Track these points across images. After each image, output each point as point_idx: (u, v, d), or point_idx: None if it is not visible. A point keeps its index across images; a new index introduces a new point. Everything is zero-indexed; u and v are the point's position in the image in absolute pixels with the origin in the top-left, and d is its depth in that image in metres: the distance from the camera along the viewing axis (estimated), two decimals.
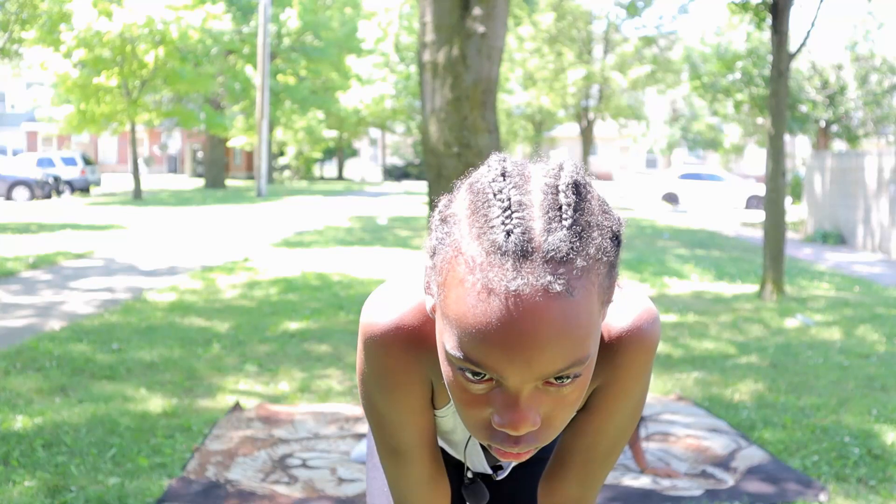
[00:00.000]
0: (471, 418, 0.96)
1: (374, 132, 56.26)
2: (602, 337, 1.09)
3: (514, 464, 1.32)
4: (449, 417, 1.23)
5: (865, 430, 4.54)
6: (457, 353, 0.91)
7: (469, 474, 1.34)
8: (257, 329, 6.84)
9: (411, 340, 1.11)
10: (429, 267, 0.98)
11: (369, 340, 1.13)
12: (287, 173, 49.86)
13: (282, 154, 47.77)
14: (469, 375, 0.93)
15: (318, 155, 47.74)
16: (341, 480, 3.72)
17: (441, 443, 1.32)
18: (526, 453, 0.98)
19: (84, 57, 24.88)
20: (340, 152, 54.68)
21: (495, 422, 0.93)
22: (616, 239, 0.93)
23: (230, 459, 3.95)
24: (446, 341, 0.93)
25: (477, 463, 1.34)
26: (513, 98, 30.64)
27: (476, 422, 0.96)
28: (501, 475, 1.36)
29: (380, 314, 1.13)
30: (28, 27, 23.70)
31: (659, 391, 5.33)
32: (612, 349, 1.10)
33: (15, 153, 48.51)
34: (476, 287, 0.88)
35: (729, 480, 3.81)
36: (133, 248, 13.08)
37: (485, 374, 0.92)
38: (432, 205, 6.34)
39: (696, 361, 6.12)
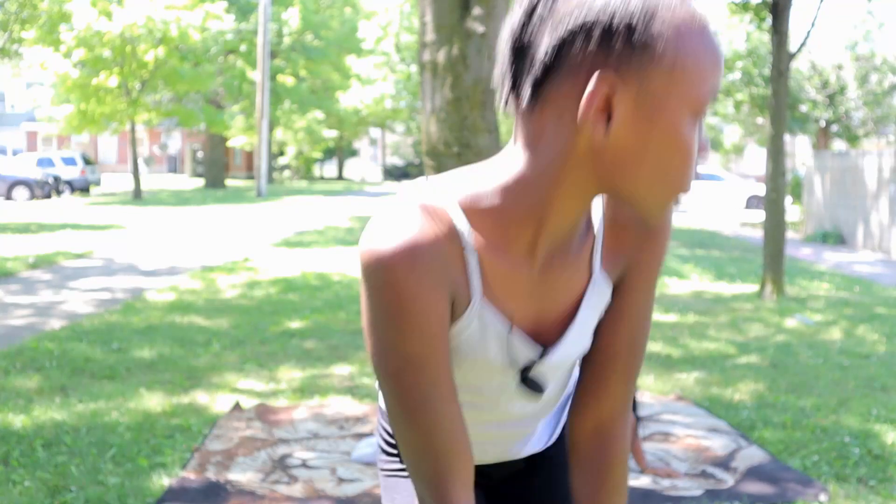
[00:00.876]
0: (686, 174, 1.00)
1: (375, 132, 56.28)
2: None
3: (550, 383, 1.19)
4: (475, 326, 1.09)
5: (865, 430, 4.54)
6: (704, 95, 0.97)
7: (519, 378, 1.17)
8: (257, 329, 6.84)
9: (436, 251, 1.02)
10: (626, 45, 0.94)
11: (386, 270, 1.01)
12: (287, 173, 49.86)
13: (282, 154, 47.77)
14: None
15: (318, 155, 47.74)
16: (341, 480, 3.72)
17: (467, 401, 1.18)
18: None
19: (84, 57, 24.89)
20: (340, 152, 54.68)
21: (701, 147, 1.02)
22: None
23: (230, 459, 3.95)
24: (688, 98, 0.96)
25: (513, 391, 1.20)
26: None
27: (685, 176, 1.00)
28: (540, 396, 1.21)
29: (392, 235, 1.02)
30: (28, 27, 23.70)
31: (659, 391, 5.33)
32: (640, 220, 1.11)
33: (15, 153, 48.52)
34: (698, 26, 0.96)
35: (729, 480, 3.81)
36: (133, 247, 13.08)
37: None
38: None
39: (696, 361, 6.12)
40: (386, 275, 1.01)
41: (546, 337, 1.14)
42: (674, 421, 4.68)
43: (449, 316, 1.06)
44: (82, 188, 29.72)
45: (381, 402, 1.36)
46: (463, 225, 1.04)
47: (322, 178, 54.79)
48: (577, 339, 1.15)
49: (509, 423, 1.26)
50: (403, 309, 1.01)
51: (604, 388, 1.20)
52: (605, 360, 1.19)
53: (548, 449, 1.41)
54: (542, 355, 1.13)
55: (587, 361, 1.21)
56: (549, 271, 1.09)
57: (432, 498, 1.07)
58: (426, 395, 1.04)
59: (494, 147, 6.69)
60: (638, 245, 1.13)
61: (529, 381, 1.17)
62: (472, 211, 1.05)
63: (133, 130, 27.70)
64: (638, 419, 3.89)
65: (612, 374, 1.19)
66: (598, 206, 1.14)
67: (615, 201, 1.13)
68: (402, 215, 1.04)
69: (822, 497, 3.62)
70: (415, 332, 1.03)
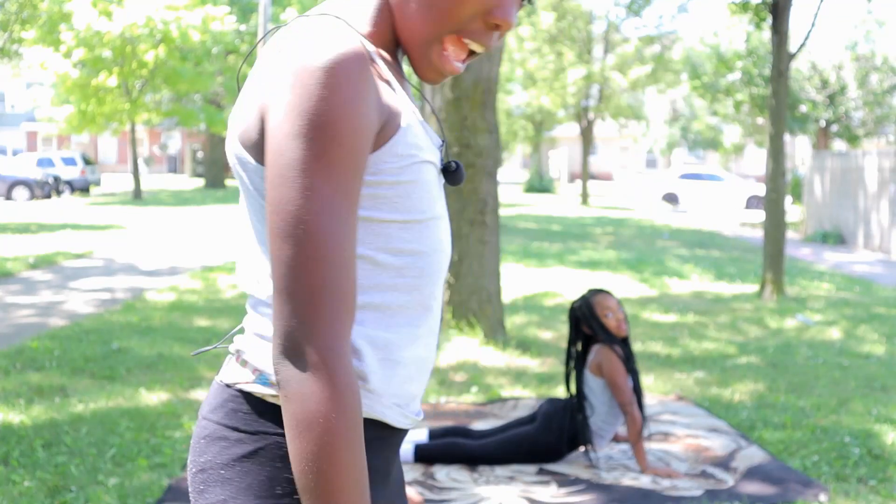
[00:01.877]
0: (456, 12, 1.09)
1: None
2: None
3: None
4: (419, 132, 1.10)
5: (865, 430, 4.54)
6: None
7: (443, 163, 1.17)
8: None
9: (366, 63, 1.02)
10: None
11: (344, 71, 0.99)
12: None
13: None
14: None
15: None
16: None
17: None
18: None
19: (84, 57, 24.88)
20: None
21: (497, 16, 1.09)
22: None
23: None
24: None
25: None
26: (513, 98, 30.64)
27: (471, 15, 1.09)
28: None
29: (340, 40, 1.01)
30: (28, 27, 23.70)
31: (659, 391, 5.33)
32: None
33: (15, 153, 48.53)
34: None
35: (729, 480, 3.81)
36: (133, 247, 13.08)
37: None
38: None
39: (696, 361, 6.12)
40: (333, 79, 0.99)
41: None
42: (674, 421, 4.68)
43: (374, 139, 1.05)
44: (82, 188, 29.71)
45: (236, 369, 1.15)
46: (369, 45, 1.09)
47: None
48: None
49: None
50: (347, 116, 0.99)
51: None
52: None
53: None
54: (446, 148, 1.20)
55: None
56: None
57: (326, 344, 0.99)
58: (346, 232, 1.01)
59: (495, 147, 6.69)
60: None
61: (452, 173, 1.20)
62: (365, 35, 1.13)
63: (133, 130, 27.69)
64: (644, 419, 3.89)
65: None
66: None
67: None
68: (334, 30, 1.03)
69: (822, 497, 3.62)
70: (351, 152, 1.00)
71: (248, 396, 1.10)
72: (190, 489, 1.14)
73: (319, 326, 0.99)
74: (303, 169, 0.98)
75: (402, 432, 1.17)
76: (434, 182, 1.14)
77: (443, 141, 1.19)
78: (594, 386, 3.97)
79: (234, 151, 1.10)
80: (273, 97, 1.02)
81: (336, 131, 0.98)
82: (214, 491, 1.09)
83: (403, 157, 1.07)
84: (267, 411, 1.08)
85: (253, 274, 1.14)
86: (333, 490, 0.98)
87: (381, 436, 1.12)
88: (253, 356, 1.11)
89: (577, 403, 3.93)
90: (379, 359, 1.10)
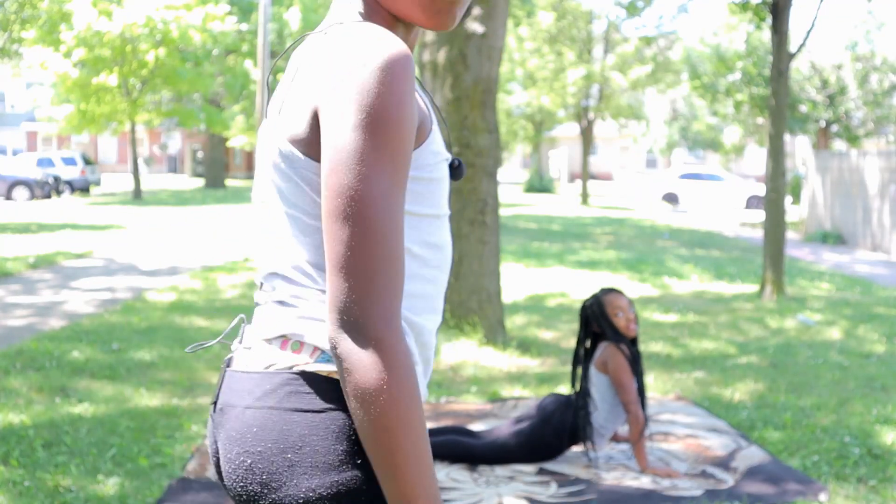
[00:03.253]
0: None
1: None
2: None
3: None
4: (436, 131, 1.20)
5: (865, 430, 4.54)
6: None
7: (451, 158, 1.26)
8: None
9: (413, 64, 1.11)
10: None
11: (399, 69, 1.07)
12: None
13: None
14: None
15: None
16: None
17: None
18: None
19: (84, 57, 24.88)
20: None
21: None
22: None
23: None
24: None
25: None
26: (513, 98, 30.62)
27: None
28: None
29: (390, 41, 1.09)
30: (28, 27, 23.68)
31: (659, 391, 5.33)
32: None
33: (15, 153, 48.51)
34: None
35: (729, 480, 3.81)
36: (133, 247, 13.08)
37: None
38: None
39: (696, 361, 6.12)
40: (389, 77, 1.06)
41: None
42: (674, 421, 4.68)
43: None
44: (82, 188, 29.71)
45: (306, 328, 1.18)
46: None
47: None
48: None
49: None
50: (402, 112, 1.07)
51: None
52: None
53: None
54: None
55: None
56: None
57: (384, 318, 1.05)
58: (400, 219, 1.08)
59: (494, 147, 6.68)
60: None
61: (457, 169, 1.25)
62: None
63: (133, 130, 27.69)
64: (646, 419, 3.89)
65: None
66: None
67: None
68: (383, 33, 1.11)
69: (822, 497, 3.62)
70: (404, 145, 1.07)
71: (309, 377, 1.14)
72: (241, 483, 1.15)
73: (378, 301, 1.05)
74: (363, 158, 1.05)
75: None
76: (448, 179, 1.23)
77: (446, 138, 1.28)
78: (598, 383, 3.98)
79: (280, 147, 1.17)
80: (331, 95, 1.09)
81: (393, 125, 1.06)
82: (289, 476, 1.12)
83: (437, 155, 1.17)
84: (331, 388, 1.13)
85: (290, 262, 1.18)
86: (400, 454, 1.04)
87: None
88: (312, 337, 1.15)
89: (580, 399, 3.93)
90: (415, 341, 1.19)
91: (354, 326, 1.05)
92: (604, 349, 3.98)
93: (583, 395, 3.93)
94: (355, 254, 1.05)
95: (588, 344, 4.05)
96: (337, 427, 1.11)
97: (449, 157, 1.21)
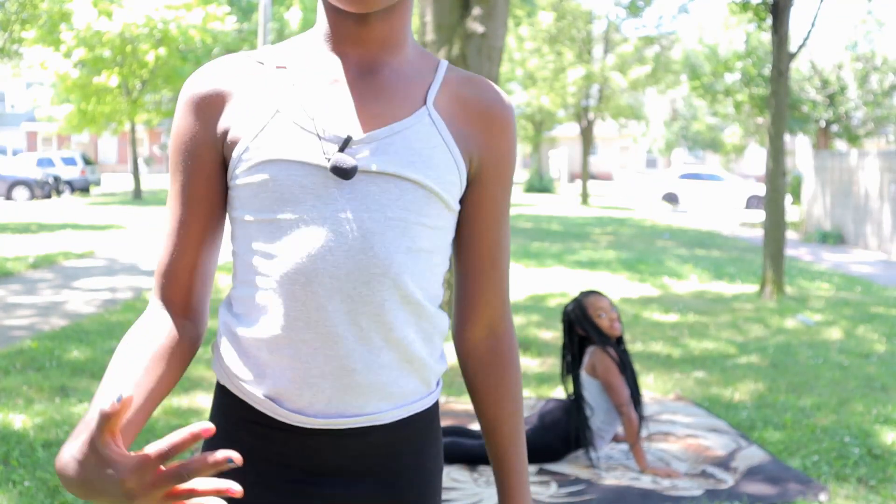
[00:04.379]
0: None
1: None
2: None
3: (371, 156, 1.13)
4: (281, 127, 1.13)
5: (865, 430, 4.54)
6: None
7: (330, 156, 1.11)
8: None
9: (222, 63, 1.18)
10: None
11: (182, 94, 1.20)
12: None
13: None
14: None
15: None
16: None
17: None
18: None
19: (84, 57, 24.88)
20: None
21: None
22: None
23: None
24: None
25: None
26: (513, 98, 30.64)
27: None
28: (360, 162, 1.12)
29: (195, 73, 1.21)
30: (28, 27, 23.69)
31: (659, 391, 5.33)
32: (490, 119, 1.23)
33: (15, 153, 48.52)
34: None
35: (729, 480, 3.81)
36: (133, 247, 13.08)
37: None
38: None
39: (696, 361, 6.12)
40: (179, 102, 1.23)
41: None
42: (674, 421, 4.68)
43: None
44: (82, 188, 29.72)
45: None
46: None
47: None
48: (400, 151, 1.12)
49: (343, 313, 1.11)
50: (174, 133, 1.24)
51: (477, 298, 1.27)
52: (475, 271, 1.26)
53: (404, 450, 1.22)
54: (347, 144, 1.11)
55: (460, 275, 1.28)
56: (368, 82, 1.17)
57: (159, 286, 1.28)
58: (173, 209, 1.33)
59: None
60: (481, 129, 1.21)
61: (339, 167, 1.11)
62: None
63: (133, 130, 27.69)
64: (642, 418, 3.89)
65: (483, 282, 1.26)
66: (444, 62, 1.24)
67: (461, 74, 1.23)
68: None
69: (822, 497, 3.62)
70: (175, 155, 1.24)
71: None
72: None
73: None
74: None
75: None
76: (289, 183, 1.23)
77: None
78: (590, 387, 3.98)
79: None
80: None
81: (171, 140, 1.26)
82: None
83: (253, 161, 1.23)
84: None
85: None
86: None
87: None
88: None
89: (576, 405, 3.94)
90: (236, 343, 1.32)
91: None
92: (591, 353, 3.98)
93: (578, 401, 3.93)
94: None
95: (575, 349, 4.06)
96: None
97: (326, 161, 1.10)
